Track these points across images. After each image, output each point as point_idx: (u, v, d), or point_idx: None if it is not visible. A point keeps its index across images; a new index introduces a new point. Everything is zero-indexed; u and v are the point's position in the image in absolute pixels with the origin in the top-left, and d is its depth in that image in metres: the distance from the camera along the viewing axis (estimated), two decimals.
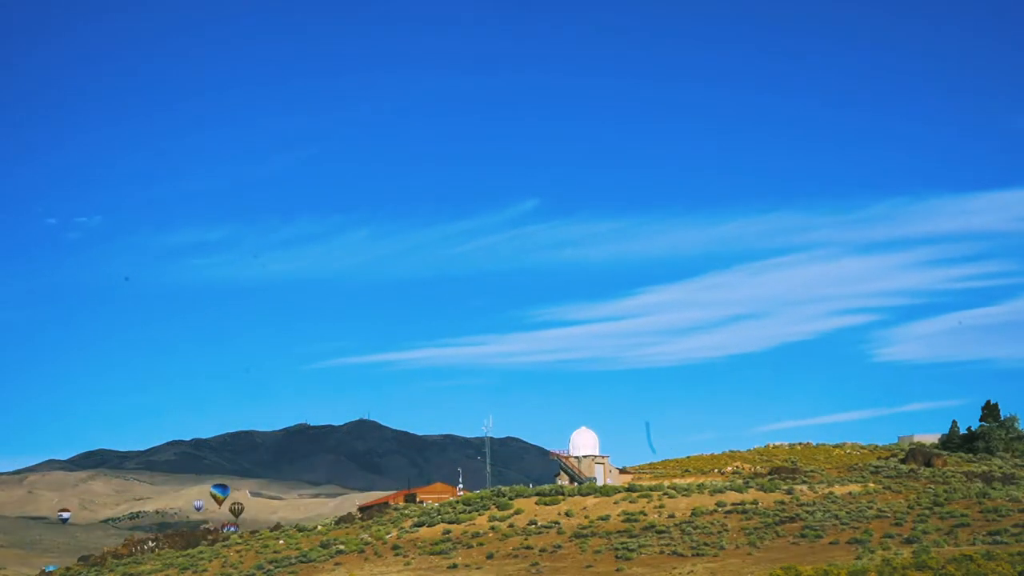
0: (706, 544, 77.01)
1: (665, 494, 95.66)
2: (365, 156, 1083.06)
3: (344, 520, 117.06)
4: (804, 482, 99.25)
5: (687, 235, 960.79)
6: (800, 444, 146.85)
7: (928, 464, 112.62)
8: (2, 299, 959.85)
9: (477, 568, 77.82)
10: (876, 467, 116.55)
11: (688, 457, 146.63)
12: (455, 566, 79.05)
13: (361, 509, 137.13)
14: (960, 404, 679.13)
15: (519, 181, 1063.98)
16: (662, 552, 76.35)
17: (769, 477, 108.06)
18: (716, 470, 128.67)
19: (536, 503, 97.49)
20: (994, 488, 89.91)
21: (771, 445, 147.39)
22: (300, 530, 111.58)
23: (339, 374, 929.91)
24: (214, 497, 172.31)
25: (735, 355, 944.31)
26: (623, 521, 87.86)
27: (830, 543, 73.82)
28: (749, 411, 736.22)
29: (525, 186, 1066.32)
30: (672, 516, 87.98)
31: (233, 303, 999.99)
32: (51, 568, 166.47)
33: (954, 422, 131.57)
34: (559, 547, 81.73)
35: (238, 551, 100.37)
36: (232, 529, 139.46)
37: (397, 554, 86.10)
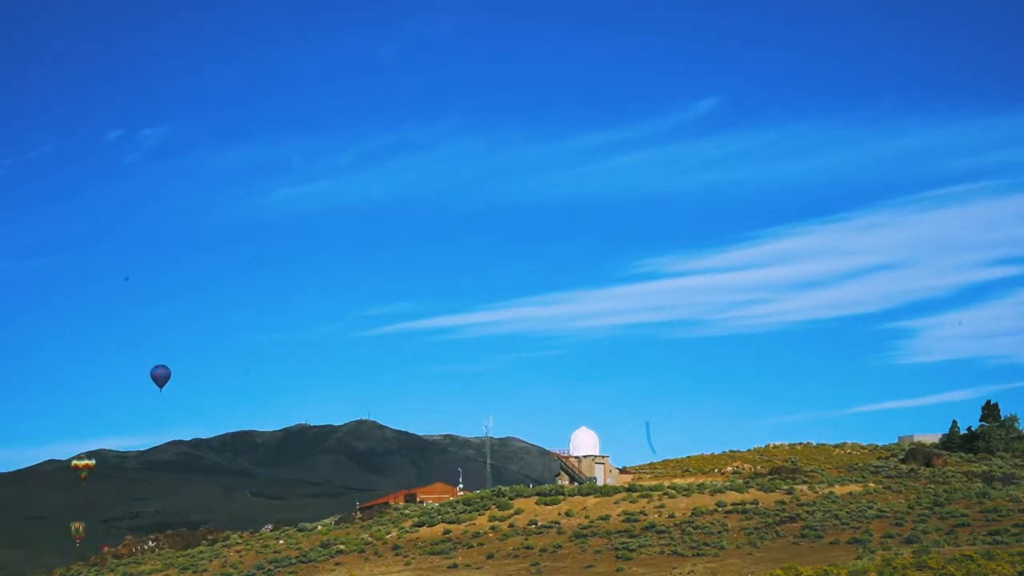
0: (706, 544, 77.02)
1: (665, 494, 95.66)
2: (484, 47, 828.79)
3: (344, 520, 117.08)
4: (804, 482, 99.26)
5: (868, 151, 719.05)
6: (800, 444, 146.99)
7: (928, 464, 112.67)
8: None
9: (477, 568, 77.83)
10: (876, 467, 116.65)
11: (688, 457, 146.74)
12: (455, 566, 79.05)
13: (361, 509, 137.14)
14: None
15: (693, 78, 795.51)
16: (662, 552, 76.37)
17: (769, 477, 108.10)
18: (716, 470, 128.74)
19: (536, 503, 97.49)
20: (994, 488, 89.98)
21: (771, 445, 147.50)
22: (300, 530, 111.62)
23: (396, 343, 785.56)
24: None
25: (846, 316, 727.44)
26: (623, 521, 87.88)
27: (830, 543, 73.84)
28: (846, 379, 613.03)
29: (700, 84, 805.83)
30: (672, 516, 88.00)
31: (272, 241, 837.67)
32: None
33: (954, 422, 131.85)
34: (559, 547, 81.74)
35: (238, 551, 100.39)
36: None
37: (397, 554, 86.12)
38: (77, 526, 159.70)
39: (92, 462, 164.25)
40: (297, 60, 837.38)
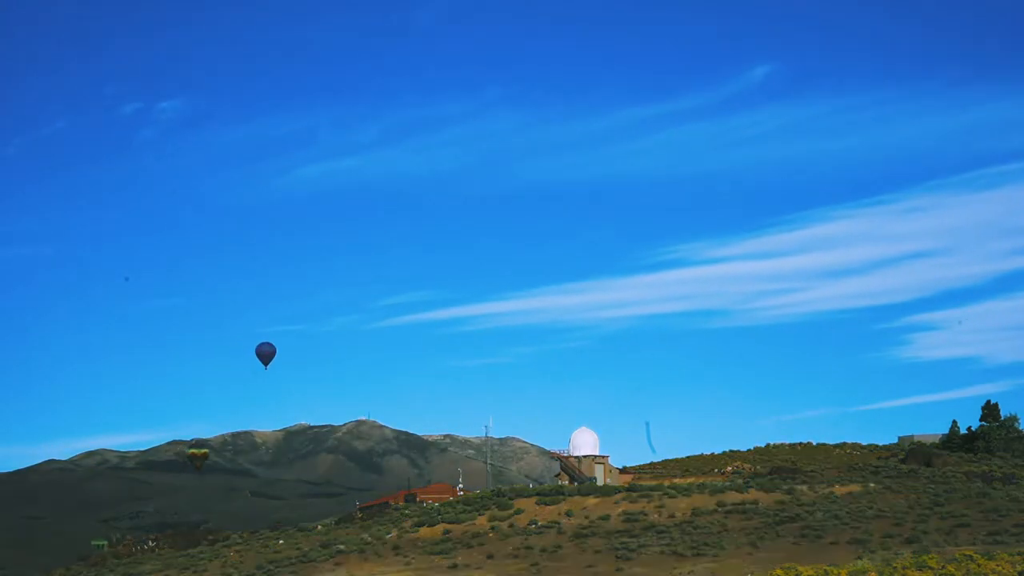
0: (706, 544, 76.97)
1: (665, 494, 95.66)
2: (527, 13, 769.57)
3: (344, 520, 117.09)
4: (804, 482, 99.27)
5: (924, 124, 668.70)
6: (800, 444, 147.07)
7: (928, 464, 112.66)
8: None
9: (477, 568, 77.79)
10: (876, 467, 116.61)
11: (688, 457, 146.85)
12: (455, 566, 79.01)
13: (361, 509, 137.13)
14: None
15: (749, 44, 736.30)
16: (662, 552, 76.33)
17: (769, 477, 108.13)
18: (716, 470, 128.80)
19: (536, 503, 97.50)
20: (994, 488, 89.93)
21: (771, 445, 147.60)
22: (300, 530, 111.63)
23: (412, 335, 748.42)
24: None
25: (871, 307, 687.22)
26: (623, 521, 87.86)
27: (830, 543, 73.82)
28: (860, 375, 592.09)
29: (755, 51, 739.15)
30: (672, 516, 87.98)
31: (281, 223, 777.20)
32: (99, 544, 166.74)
33: (954, 422, 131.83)
34: (559, 547, 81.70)
35: (238, 551, 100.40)
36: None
37: (397, 554, 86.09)
38: (198, 452, 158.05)
39: (206, 451, 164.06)
40: (323, 26, 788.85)
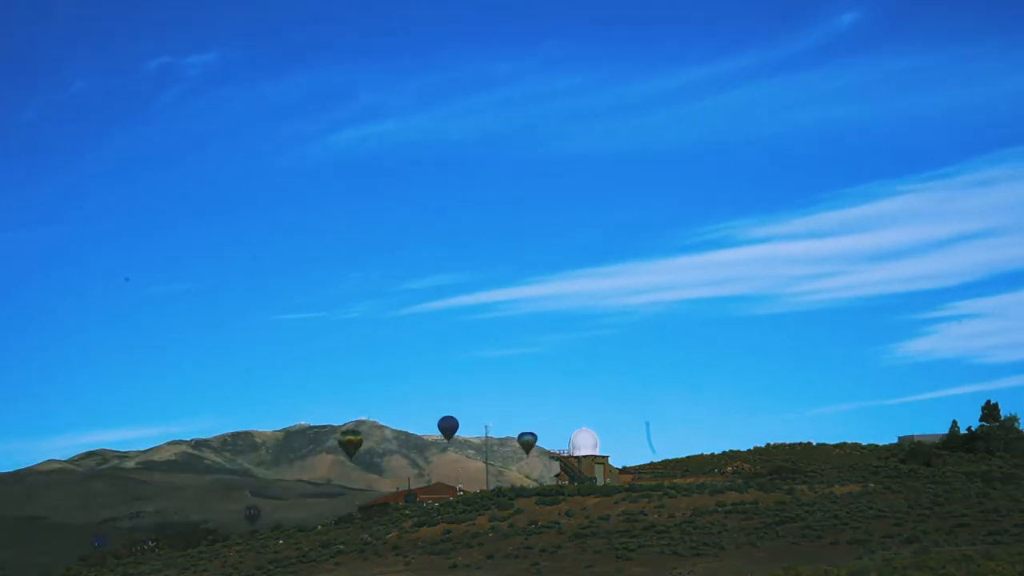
0: (706, 544, 76.96)
1: (665, 494, 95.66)
2: None
3: (344, 520, 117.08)
4: (804, 482, 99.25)
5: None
6: (800, 444, 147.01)
7: (928, 464, 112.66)
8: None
9: (477, 568, 77.78)
10: (876, 467, 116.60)
11: (688, 457, 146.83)
12: (455, 566, 79.00)
13: (361, 509, 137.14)
14: None
15: None
16: (662, 552, 76.30)
17: (769, 477, 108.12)
18: (716, 470, 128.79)
19: (536, 503, 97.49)
20: (994, 488, 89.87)
21: (771, 445, 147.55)
22: (300, 530, 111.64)
23: (435, 323, 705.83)
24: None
25: (909, 292, 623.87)
26: (623, 521, 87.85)
27: (830, 543, 73.79)
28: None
29: None
30: (672, 516, 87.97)
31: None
32: (99, 541, 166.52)
33: (954, 422, 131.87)
34: (559, 547, 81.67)
35: (238, 551, 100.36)
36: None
37: (397, 554, 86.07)
38: (354, 439, 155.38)
39: (361, 437, 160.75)
40: None
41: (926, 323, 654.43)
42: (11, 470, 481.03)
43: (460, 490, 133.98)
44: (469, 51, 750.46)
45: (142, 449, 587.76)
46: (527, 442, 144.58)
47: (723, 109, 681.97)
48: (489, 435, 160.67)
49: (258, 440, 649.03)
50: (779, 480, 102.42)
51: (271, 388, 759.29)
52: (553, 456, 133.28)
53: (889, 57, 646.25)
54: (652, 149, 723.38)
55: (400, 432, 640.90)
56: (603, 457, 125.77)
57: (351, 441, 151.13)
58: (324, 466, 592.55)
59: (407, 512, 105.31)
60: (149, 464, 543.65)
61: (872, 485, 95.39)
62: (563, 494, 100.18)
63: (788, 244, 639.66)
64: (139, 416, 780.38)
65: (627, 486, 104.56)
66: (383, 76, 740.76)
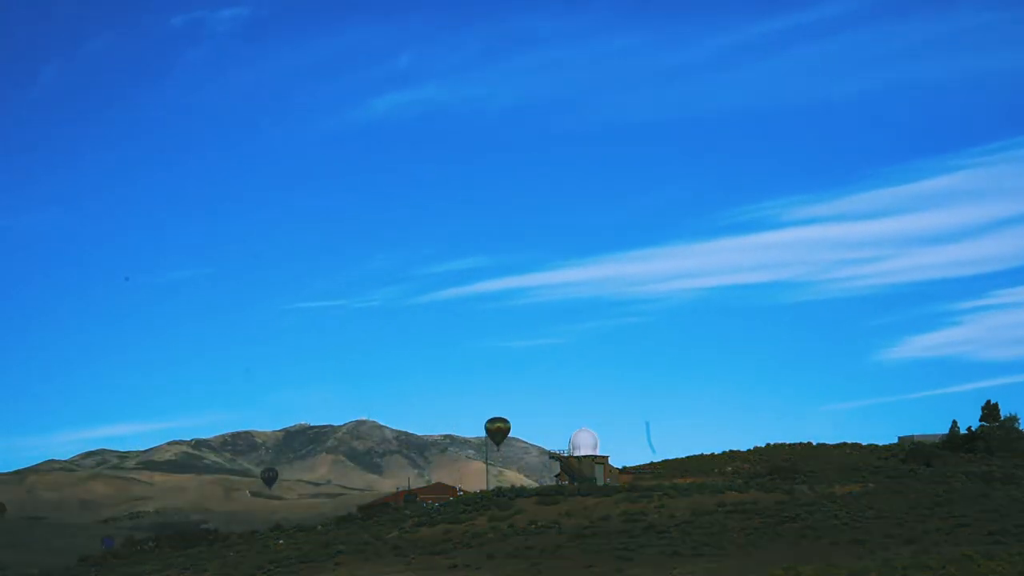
0: (706, 544, 76.95)
1: (665, 494, 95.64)
2: None
3: (344, 520, 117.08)
4: (804, 482, 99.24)
5: None
6: (800, 444, 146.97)
7: (928, 464, 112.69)
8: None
9: (477, 568, 77.74)
10: (876, 467, 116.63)
11: (688, 457, 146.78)
12: (455, 566, 78.97)
13: (361, 509, 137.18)
14: None
15: None
16: (662, 552, 76.26)
17: (769, 477, 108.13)
18: (716, 470, 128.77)
19: (536, 503, 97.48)
20: (994, 488, 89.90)
21: (771, 445, 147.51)
22: (300, 530, 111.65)
23: (457, 311, 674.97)
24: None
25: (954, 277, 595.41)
26: (623, 521, 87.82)
27: (830, 543, 73.77)
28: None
29: None
30: (672, 516, 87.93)
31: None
32: (109, 543, 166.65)
33: (954, 422, 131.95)
34: (559, 547, 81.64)
35: (238, 551, 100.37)
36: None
37: (397, 554, 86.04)
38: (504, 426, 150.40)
39: (508, 423, 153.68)
40: None
41: (960, 313, 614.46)
42: (11, 470, 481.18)
43: (460, 490, 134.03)
44: (514, 11, 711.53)
45: (142, 449, 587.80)
46: (497, 429, 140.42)
47: (773, 73, 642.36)
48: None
49: (258, 440, 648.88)
50: (779, 480, 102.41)
51: (271, 388, 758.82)
52: (553, 456, 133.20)
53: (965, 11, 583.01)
54: (693, 119, 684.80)
55: (400, 432, 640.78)
56: (603, 457, 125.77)
57: (500, 429, 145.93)
58: (324, 466, 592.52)
59: (407, 512, 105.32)
60: (149, 464, 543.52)
61: (872, 485, 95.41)
62: (563, 494, 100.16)
63: (833, 226, 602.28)
64: (139, 416, 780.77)
65: (627, 486, 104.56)
66: (425, 37, 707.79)
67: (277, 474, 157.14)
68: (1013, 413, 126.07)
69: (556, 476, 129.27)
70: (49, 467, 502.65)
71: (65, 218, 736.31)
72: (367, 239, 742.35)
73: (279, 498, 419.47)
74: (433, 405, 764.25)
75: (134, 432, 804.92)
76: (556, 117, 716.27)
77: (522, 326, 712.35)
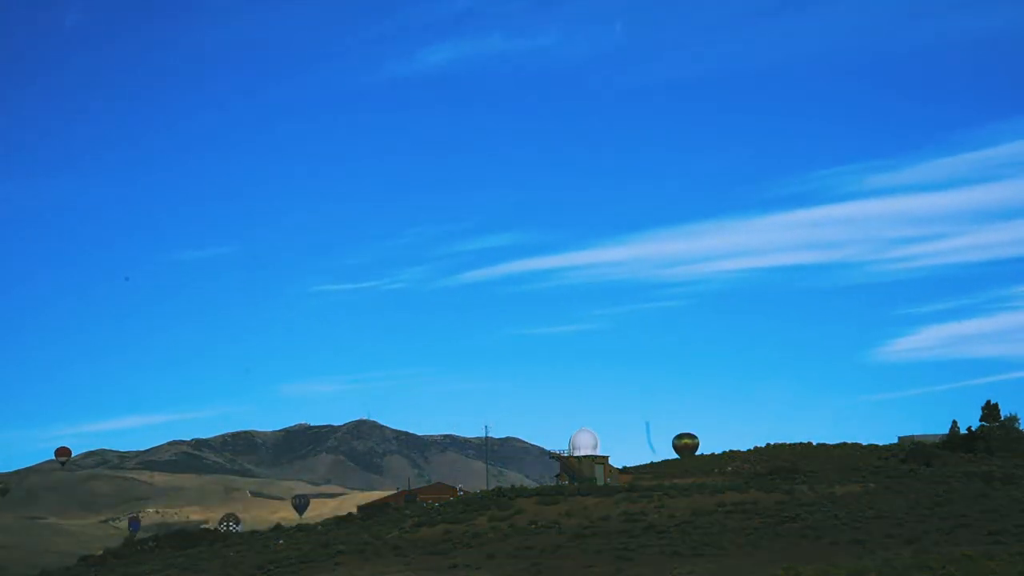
0: (706, 544, 76.93)
1: (665, 494, 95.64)
2: None
3: (344, 520, 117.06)
4: (804, 482, 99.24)
5: None
6: (800, 444, 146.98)
7: (928, 464, 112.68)
8: None
9: (477, 568, 77.72)
10: (876, 467, 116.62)
11: (688, 457, 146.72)
12: (455, 566, 78.94)
13: (361, 509, 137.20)
14: None
15: None
16: (662, 552, 76.25)
17: (769, 477, 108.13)
18: (716, 470, 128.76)
19: (536, 503, 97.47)
20: (994, 488, 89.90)
21: (771, 445, 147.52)
22: (300, 530, 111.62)
23: (484, 293, 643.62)
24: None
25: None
26: (623, 521, 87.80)
27: (830, 543, 73.76)
28: None
29: None
30: (672, 516, 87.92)
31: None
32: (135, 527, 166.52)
33: (954, 422, 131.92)
34: (559, 547, 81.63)
35: (238, 551, 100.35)
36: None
37: (397, 554, 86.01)
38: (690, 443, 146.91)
39: (696, 439, 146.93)
40: None
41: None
42: (11, 470, 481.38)
43: (460, 490, 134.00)
44: None
45: (142, 449, 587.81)
46: (684, 445, 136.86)
47: (849, 14, 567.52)
48: (489, 435, 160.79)
49: (258, 440, 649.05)
50: (779, 480, 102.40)
51: (271, 388, 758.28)
52: (553, 456, 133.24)
53: None
54: (756, 71, 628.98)
55: (400, 432, 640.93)
56: (603, 457, 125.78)
57: (687, 445, 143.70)
58: (324, 466, 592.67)
59: (407, 512, 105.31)
60: (149, 464, 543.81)
61: (872, 485, 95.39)
62: (563, 494, 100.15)
63: (896, 199, 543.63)
64: (139, 416, 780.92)
65: (627, 486, 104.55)
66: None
67: (308, 501, 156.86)
68: (1013, 413, 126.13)
69: (556, 476, 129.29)
70: (49, 467, 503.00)
71: (69, 187, 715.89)
72: (400, 209, 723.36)
73: (279, 498, 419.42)
74: (433, 405, 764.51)
75: (134, 432, 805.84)
76: (607, 72, 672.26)
77: (546, 311, 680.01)
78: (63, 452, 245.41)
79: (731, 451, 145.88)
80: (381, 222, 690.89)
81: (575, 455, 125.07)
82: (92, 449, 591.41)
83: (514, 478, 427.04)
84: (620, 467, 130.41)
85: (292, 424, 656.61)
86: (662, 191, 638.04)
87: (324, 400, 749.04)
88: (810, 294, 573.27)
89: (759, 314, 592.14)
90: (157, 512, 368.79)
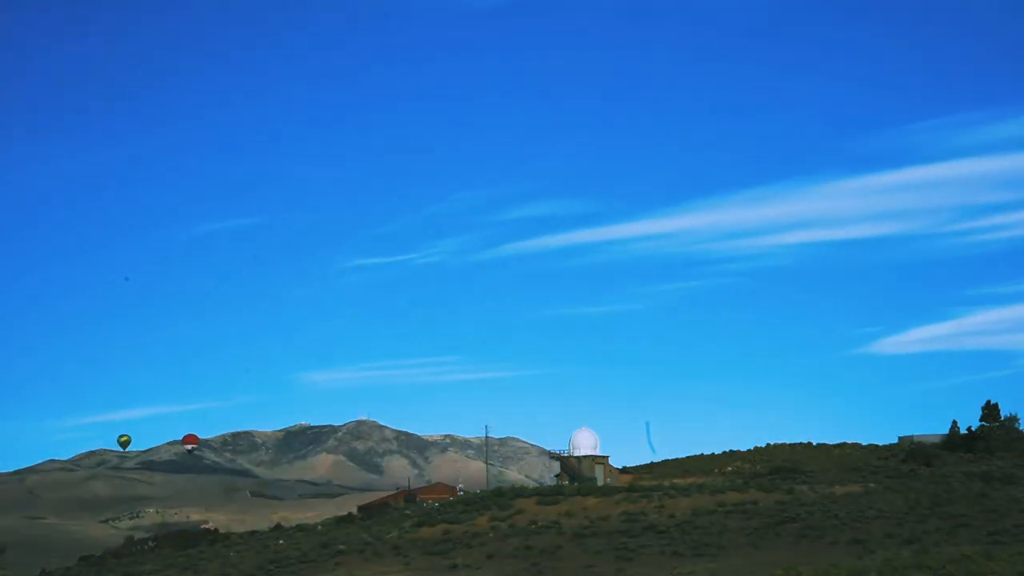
0: (706, 544, 76.93)
1: (665, 494, 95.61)
2: None
3: (344, 520, 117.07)
4: (804, 482, 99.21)
5: None
6: (800, 444, 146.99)
7: (928, 464, 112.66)
8: None
9: (477, 568, 77.72)
10: (876, 467, 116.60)
11: (688, 457, 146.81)
12: (455, 566, 78.94)
13: (361, 509, 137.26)
14: None
15: None
16: (662, 552, 76.26)
17: (769, 477, 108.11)
18: (716, 470, 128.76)
19: (536, 503, 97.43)
20: (994, 488, 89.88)
21: (771, 445, 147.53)
22: (300, 530, 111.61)
23: (527, 267, 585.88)
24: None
25: None
26: (623, 521, 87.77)
27: (830, 543, 73.77)
28: None
29: None
30: (672, 516, 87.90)
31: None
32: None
33: (954, 422, 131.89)
34: (559, 547, 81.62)
35: (238, 551, 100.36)
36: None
37: (397, 554, 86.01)
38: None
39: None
40: None
41: None
42: (11, 470, 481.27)
43: (460, 490, 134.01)
44: None
45: (142, 449, 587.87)
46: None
47: None
48: (489, 435, 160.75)
49: (258, 440, 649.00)
50: (779, 480, 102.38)
51: (271, 388, 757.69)
52: (553, 456, 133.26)
53: None
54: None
55: (400, 432, 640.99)
56: (603, 457, 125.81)
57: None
58: (324, 466, 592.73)
59: (407, 512, 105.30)
60: (149, 464, 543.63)
61: (872, 485, 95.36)
62: (563, 494, 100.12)
63: (984, 160, 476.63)
64: (139, 416, 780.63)
65: (627, 486, 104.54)
66: None
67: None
68: (1013, 413, 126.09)
69: (556, 476, 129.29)
70: (49, 467, 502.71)
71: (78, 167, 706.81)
72: (448, 169, 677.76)
73: (279, 498, 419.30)
74: (433, 405, 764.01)
75: (134, 432, 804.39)
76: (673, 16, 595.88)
77: (592, 287, 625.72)
78: (191, 439, 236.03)
79: (731, 451, 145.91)
80: (421, 193, 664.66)
81: (575, 455, 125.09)
82: (92, 449, 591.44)
83: (514, 478, 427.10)
84: (620, 467, 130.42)
85: (292, 424, 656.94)
86: (722, 155, 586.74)
87: (324, 400, 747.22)
88: (855, 271, 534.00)
89: (772, 300, 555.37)
90: (157, 512, 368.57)
